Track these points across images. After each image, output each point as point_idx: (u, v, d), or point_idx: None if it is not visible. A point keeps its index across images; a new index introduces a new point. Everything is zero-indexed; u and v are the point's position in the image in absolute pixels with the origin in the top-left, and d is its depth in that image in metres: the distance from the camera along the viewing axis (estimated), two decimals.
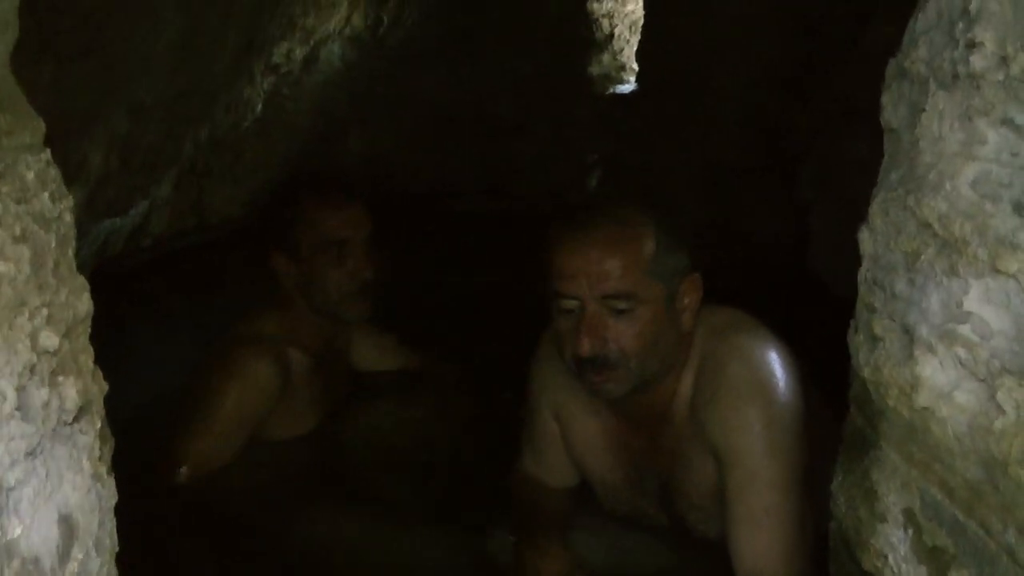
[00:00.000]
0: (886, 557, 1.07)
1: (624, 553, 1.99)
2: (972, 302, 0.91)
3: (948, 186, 0.95)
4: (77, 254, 0.92)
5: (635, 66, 4.11)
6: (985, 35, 0.89)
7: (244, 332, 2.40)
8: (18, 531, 0.74)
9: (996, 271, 0.88)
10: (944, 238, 0.95)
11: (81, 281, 0.91)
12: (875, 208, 1.08)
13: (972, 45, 0.91)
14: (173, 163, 3.18)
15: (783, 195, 3.15)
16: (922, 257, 0.99)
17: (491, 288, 3.50)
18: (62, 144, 2.31)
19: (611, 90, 4.07)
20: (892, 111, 1.07)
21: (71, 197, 0.92)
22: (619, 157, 3.80)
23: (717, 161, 3.50)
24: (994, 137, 0.90)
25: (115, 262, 3.19)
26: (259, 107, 3.68)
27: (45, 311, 0.81)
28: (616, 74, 4.17)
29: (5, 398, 0.73)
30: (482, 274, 3.71)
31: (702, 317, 1.89)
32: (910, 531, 1.02)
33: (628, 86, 4.02)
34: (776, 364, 1.82)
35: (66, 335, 0.86)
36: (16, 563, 0.74)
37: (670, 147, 3.53)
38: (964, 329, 0.92)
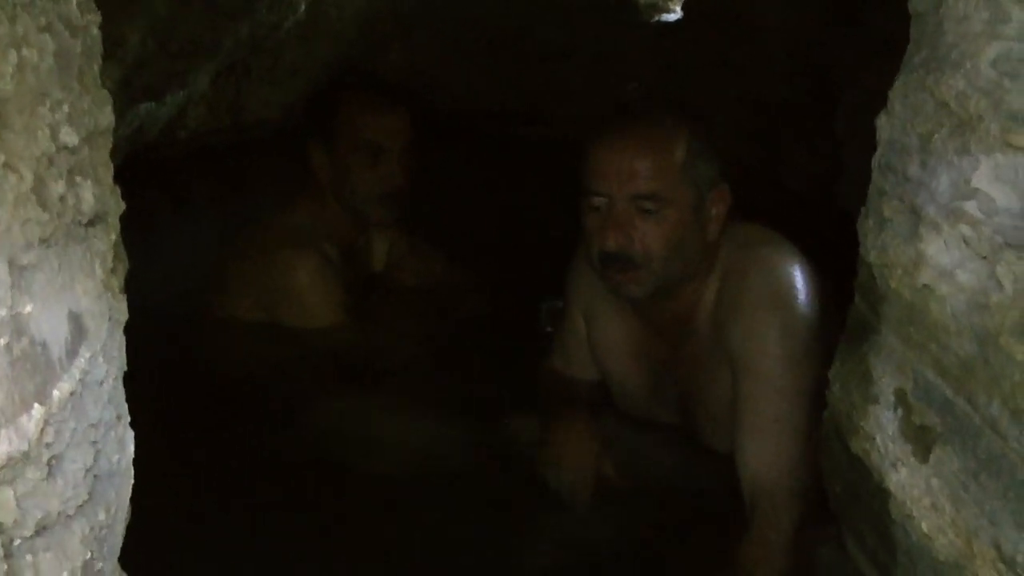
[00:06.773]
0: (874, 439, 1.08)
1: (638, 455, 2.01)
2: (980, 179, 0.91)
3: (968, 65, 0.95)
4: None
5: None
6: None
7: (278, 224, 2.44)
8: (28, 308, 0.76)
9: (1007, 146, 0.88)
10: (959, 116, 0.95)
11: (105, 94, 0.93)
12: (895, 92, 1.08)
13: None
14: (212, 56, 3.19)
15: (823, 131, 3.11)
16: (936, 137, 0.99)
17: (517, 210, 3.49)
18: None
19: (657, 19, 4.01)
20: None
21: (99, 14, 0.94)
22: (660, 87, 3.76)
23: (758, 95, 3.46)
24: (1018, 14, 0.90)
25: (150, 150, 3.22)
26: (302, 9, 3.67)
27: (67, 108, 0.83)
28: (663, 3, 4.13)
29: (22, 178, 0.75)
30: (510, 197, 3.69)
31: (729, 231, 1.91)
32: (899, 411, 1.04)
33: (674, 15, 3.97)
34: (797, 277, 1.83)
35: (86, 140, 0.87)
36: (25, 341, 0.77)
37: (712, 79, 3.50)
38: (970, 206, 0.93)
